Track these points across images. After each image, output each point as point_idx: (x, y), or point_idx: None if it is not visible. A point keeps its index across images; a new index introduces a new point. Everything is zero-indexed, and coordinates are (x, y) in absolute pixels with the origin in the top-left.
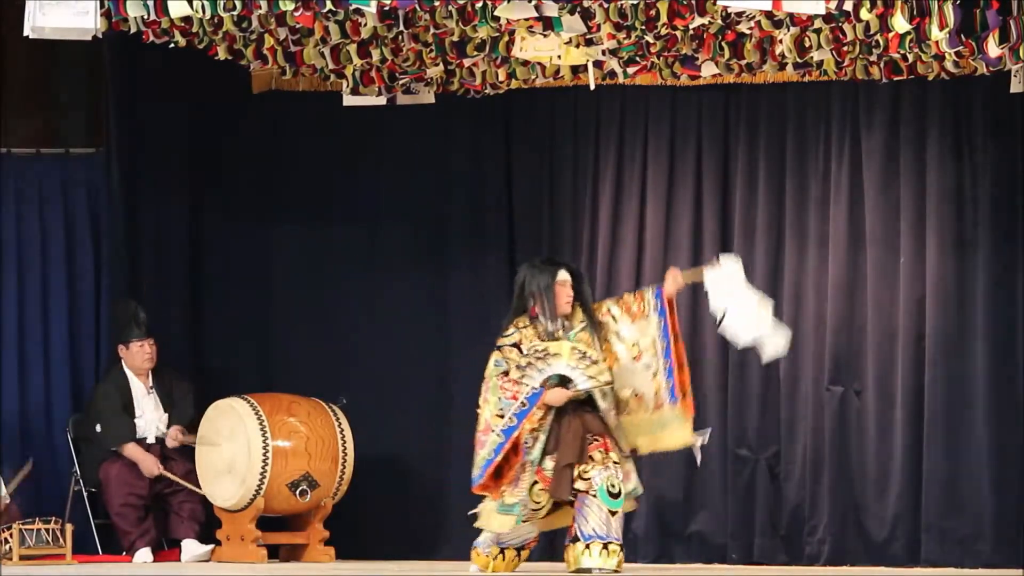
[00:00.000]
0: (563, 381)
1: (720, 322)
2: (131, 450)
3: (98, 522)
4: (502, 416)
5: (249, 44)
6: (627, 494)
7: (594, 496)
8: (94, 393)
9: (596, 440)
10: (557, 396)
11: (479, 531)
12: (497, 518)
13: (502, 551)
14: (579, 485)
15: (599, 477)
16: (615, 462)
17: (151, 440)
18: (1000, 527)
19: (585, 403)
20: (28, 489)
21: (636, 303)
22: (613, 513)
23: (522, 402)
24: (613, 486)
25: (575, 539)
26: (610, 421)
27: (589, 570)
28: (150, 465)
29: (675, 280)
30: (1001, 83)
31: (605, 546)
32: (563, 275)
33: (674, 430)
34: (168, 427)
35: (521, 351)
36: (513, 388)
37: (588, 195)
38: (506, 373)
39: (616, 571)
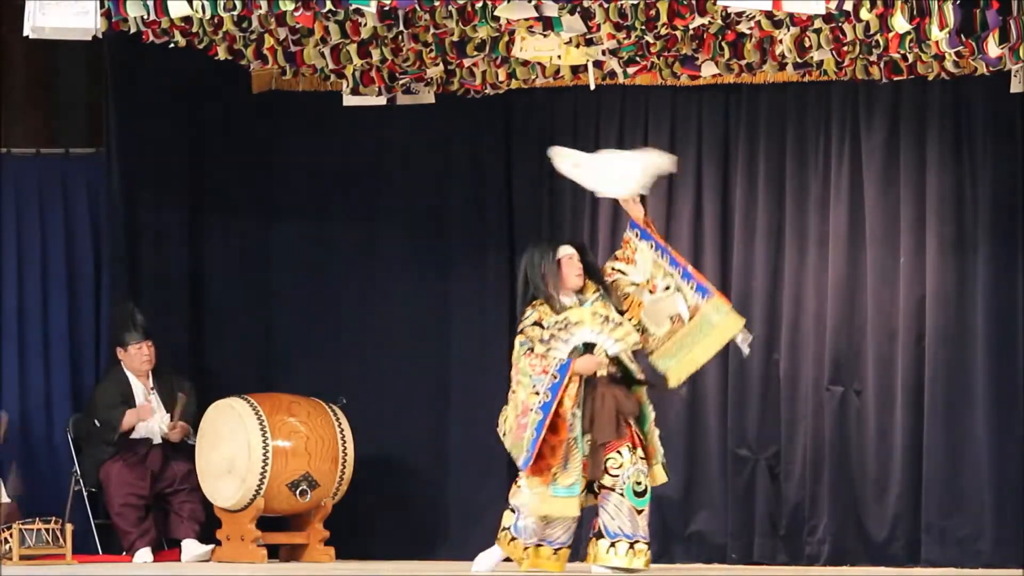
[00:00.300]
0: (588, 349)
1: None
2: (128, 417)
3: (98, 522)
4: (538, 394)
5: (249, 44)
6: (659, 460)
7: (620, 494)
8: (93, 393)
9: (625, 432)
10: (587, 364)
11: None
12: (557, 502)
13: (556, 551)
14: (605, 481)
15: (626, 475)
16: (642, 457)
17: (157, 440)
18: (1000, 527)
19: (616, 377)
20: (28, 490)
21: (626, 249)
22: (639, 512)
23: (553, 375)
24: (639, 483)
25: (599, 535)
26: (637, 376)
27: (614, 568)
28: (146, 412)
29: (631, 202)
30: (1001, 83)
31: (631, 545)
32: (566, 250)
33: (721, 322)
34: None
35: (542, 326)
36: (542, 363)
37: (588, 194)
38: (532, 350)
39: (630, 570)
